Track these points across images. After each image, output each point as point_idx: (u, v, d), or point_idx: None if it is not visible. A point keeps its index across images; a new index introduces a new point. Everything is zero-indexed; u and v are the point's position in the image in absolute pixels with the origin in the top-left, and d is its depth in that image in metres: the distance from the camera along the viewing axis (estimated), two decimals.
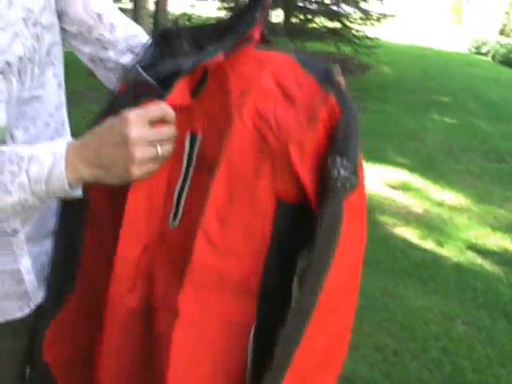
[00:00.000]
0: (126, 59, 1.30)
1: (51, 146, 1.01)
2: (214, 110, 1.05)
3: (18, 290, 1.11)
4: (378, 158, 6.13)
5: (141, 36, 1.34)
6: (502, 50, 14.15)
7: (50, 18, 1.18)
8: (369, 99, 8.92)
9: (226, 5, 12.32)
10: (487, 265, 4.24)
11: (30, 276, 1.24)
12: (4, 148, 1.00)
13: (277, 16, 12.26)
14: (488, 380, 3.04)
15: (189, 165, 1.06)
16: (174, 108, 1.02)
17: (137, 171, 0.98)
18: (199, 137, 1.06)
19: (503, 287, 3.94)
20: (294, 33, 11.27)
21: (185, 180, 1.06)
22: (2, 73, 1.08)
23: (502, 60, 13.91)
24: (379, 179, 5.67)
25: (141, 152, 0.97)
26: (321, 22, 12.09)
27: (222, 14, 12.96)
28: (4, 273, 1.18)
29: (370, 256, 3.84)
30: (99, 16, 1.27)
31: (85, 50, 1.30)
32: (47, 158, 0.99)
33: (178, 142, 1.05)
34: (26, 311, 1.26)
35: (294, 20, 12.00)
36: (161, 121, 1.00)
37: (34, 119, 1.18)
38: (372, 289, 3.69)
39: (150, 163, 0.99)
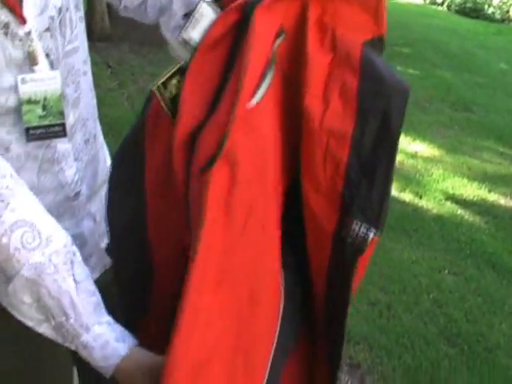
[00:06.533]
0: None
1: (107, 345, 0.95)
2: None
3: (83, 255, 1.02)
4: None
5: None
6: (458, 0, 14.14)
7: None
8: None
9: None
10: (467, 215, 4.26)
11: (93, 237, 1.18)
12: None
13: None
14: (482, 330, 3.06)
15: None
16: None
17: None
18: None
19: (486, 237, 3.96)
20: None
21: None
22: (49, 30, 0.97)
23: (458, 10, 13.89)
24: None
25: None
26: None
27: None
28: None
29: None
30: None
31: None
32: (99, 357, 0.94)
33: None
34: (94, 275, 1.17)
35: None
36: None
37: (79, 71, 1.08)
38: None
39: None
